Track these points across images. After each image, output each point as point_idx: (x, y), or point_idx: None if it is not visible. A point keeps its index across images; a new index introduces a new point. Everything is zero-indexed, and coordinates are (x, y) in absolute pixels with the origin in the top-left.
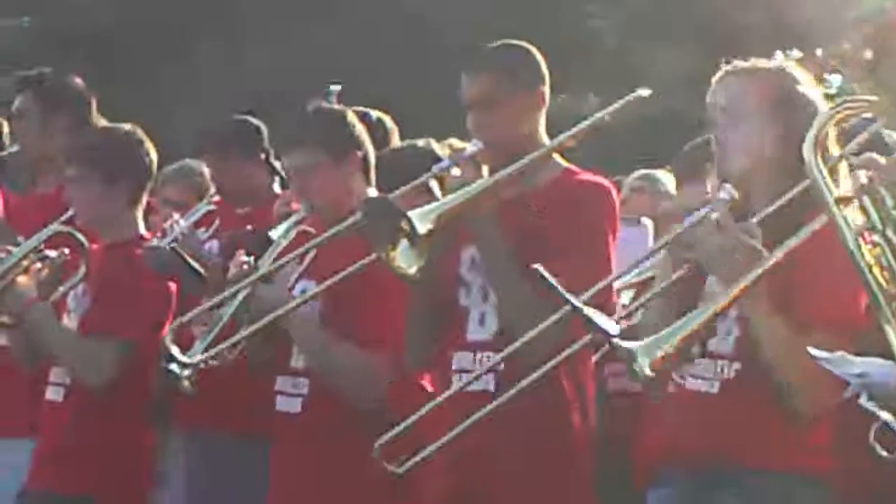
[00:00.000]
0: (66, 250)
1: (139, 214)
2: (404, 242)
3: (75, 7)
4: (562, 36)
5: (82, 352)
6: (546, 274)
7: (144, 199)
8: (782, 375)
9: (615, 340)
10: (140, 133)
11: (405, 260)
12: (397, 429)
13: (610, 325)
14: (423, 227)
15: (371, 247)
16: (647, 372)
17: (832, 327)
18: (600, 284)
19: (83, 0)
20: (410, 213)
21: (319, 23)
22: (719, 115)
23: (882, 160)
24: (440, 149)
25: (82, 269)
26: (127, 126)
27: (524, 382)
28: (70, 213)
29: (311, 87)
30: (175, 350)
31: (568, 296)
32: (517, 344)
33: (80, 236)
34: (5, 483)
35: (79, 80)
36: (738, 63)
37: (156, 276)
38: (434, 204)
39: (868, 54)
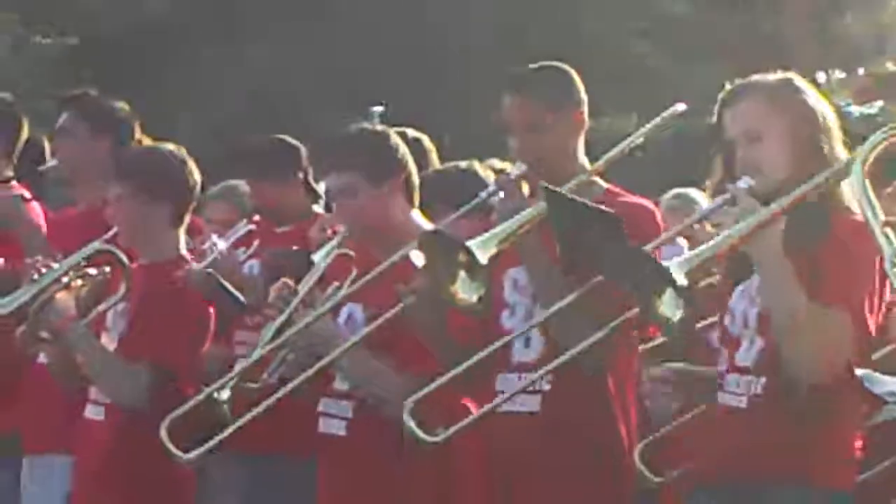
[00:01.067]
0: (108, 268)
1: (181, 234)
2: (463, 274)
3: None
4: (603, 57)
5: (116, 373)
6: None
7: (187, 219)
8: (786, 340)
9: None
10: (183, 153)
11: (466, 291)
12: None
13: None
14: (484, 257)
15: (430, 282)
16: (684, 281)
17: (850, 311)
18: None
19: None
20: (470, 244)
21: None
22: (735, 139)
23: None
24: (482, 170)
25: (123, 288)
26: (171, 146)
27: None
28: (113, 231)
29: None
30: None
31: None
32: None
33: (122, 255)
34: (40, 499)
35: (124, 104)
36: (739, 83)
37: (196, 298)
38: (490, 232)
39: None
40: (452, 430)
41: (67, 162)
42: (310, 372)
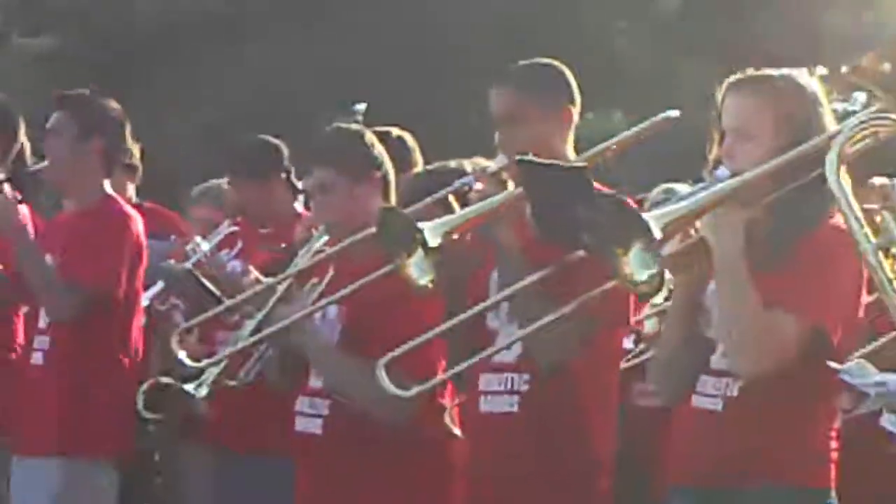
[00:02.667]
0: None
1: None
2: (419, 253)
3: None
4: (588, 53)
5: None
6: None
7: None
8: (729, 330)
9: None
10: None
11: (417, 270)
12: None
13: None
14: (434, 240)
15: (386, 257)
16: (658, 234)
17: (802, 314)
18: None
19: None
20: (422, 225)
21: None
22: (725, 129)
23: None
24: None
25: None
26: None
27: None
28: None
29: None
30: (182, 354)
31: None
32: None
33: None
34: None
35: (116, 104)
36: (745, 75)
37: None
38: (447, 217)
39: (887, 67)
40: (424, 386)
41: (58, 162)
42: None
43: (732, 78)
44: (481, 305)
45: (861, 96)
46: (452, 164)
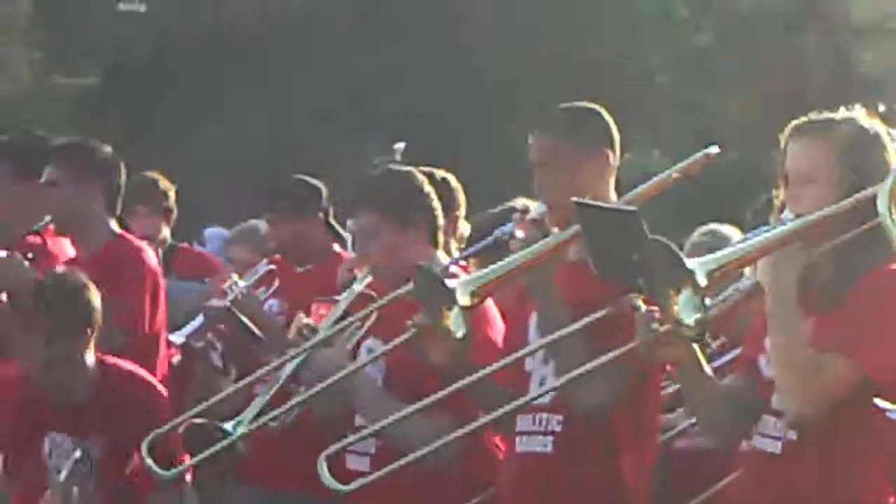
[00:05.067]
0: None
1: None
2: (454, 310)
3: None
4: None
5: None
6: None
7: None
8: (780, 372)
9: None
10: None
11: (455, 324)
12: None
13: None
14: (464, 298)
15: (425, 317)
16: (703, 281)
17: (851, 357)
18: None
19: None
20: (452, 283)
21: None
22: (789, 173)
23: None
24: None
25: None
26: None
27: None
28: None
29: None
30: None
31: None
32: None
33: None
34: None
35: (107, 147)
36: (809, 119)
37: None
38: (477, 274)
39: None
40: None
41: (59, 214)
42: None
43: (795, 122)
44: (522, 351)
45: None
46: (519, 204)
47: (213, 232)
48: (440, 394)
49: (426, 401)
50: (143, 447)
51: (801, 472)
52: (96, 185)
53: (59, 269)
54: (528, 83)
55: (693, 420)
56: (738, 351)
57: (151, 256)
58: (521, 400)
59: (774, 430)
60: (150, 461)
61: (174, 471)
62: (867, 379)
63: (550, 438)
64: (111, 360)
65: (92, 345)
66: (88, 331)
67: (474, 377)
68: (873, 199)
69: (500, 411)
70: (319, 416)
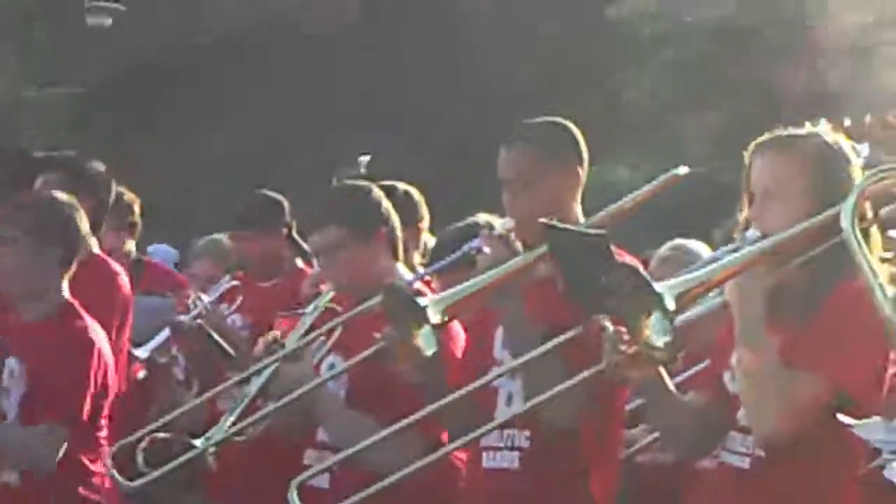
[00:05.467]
0: None
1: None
2: (424, 329)
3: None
4: (591, 107)
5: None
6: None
7: (72, 268)
8: (749, 393)
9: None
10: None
11: (424, 342)
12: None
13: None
14: (435, 317)
15: (394, 334)
16: (672, 305)
17: (821, 373)
18: None
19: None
20: (423, 302)
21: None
22: (755, 189)
23: None
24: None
25: None
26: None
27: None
28: None
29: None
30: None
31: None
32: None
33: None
34: None
35: (98, 164)
36: (773, 135)
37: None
38: (449, 292)
39: None
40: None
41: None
42: (277, 404)
43: (760, 139)
44: (495, 372)
45: (864, 148)
46: (481, 220)
47: (158, 249)
48: (411, 418)
49: (396, 426)
50: (109, 457)
51: (770, 487)
52: (87, 205)
53: (58, 194)
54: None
55: (655, 435)
56: (702, 365)
57: (125, 281)
58: (492, 424)
59: (741, 447)
60: (114, 471)
61: (138, 482)
62: (842, 394)
63: (517, 454)
64: (80, 313)
65: (66, 279)
66: (69, 256)
67: (447, 400)
68: (838, 215)
69: (472, 436)
70: (281, 432)
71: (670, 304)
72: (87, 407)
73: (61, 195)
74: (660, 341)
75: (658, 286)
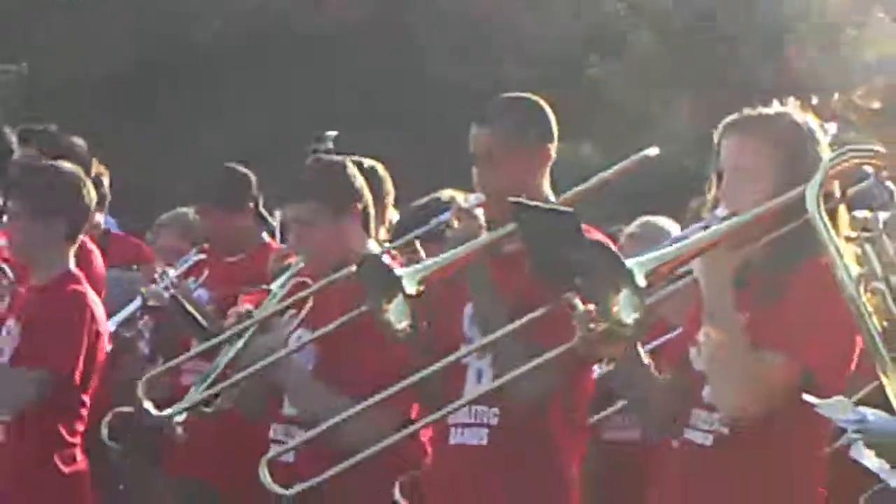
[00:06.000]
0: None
1: (72, 253)
2: (399, 298)
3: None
4: (559, 84)
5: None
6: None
7: (79, 238)
8: (716, 372)
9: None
10: (82, 173)
11: (395, 315)
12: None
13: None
14: (411, 288)
15: (366, 299)
16: (642, 282)
17: (788, 354)
18: None
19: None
20: (399, 272)
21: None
22: (724, 169)
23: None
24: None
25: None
26: (69, 165)
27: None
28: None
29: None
30: (148, 405)
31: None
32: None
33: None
34: None
35: (80, 140)
36: (742, 114)
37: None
38: (424, 263)
39: (876, 104)
40: (306, 484)
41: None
42: (243, 373)
43: (729, 118)
44: (462, 351)
45: (832, 127)
46: (445, 196)
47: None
48: (381, 395)
49: (368, 402)
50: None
51: (734, 465)
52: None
53: (67, 165)
54: (462, 76)
55: (620, 405)
56: (674, 333)
57: (99, 261)
58: (461, 401)
59: (705, 424)
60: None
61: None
62: (808, 375)
63: (486, 431)
64: (80, 281)
65: (72, 250)
66: (74, 228)
67: (415, 378)
68: (804, 195)
69: (442, 412)
70: (245, 407)
71: (640, 281)
72: (79, 366)
73: (68, 166)
74: (629, 318)
75: (628, 262)
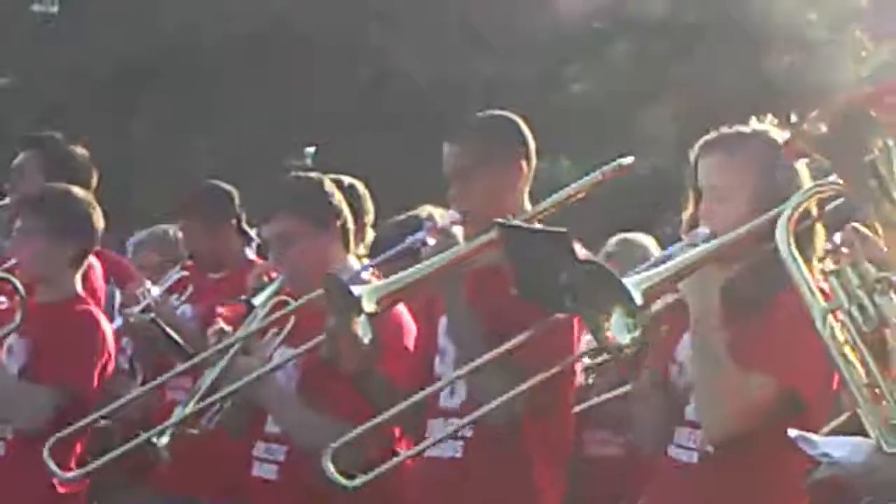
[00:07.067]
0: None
1: (78, 276)
2: (361, 317)
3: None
4: (537, 99)
5: (16, 393)
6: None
7: (86, 262)
8: (700, 391)
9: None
10: (92, 198)
11: (363, 330)
12: None
13: None
14: (369, 306)
15: (333, 316)
16: (639, 301)
17: (776, 375)
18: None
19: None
20: (358, 291)
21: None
22: (702, 189)
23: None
24: (440, 218)
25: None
26: (81, 191)
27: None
28: (12, 261)
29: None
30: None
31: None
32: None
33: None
34: None
35: (82, 149)
36: (719, 133)
37: (97, 330)
38: (384, 281)
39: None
40: (371, 475)
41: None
42: (224, 392)
43: (706, 138)
44: (437, 385)
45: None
46: (424, 213)
47: None
48: (366, 425)
49: (354, 433)
50: (45, 449)
51: (718, 482)
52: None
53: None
54: (439, 90)
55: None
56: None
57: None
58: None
59: (689, 442)
60: (51, 463)
61: (76, 472)
62: (793, 395)
63: (461, 443)
64: (89, 303)
65: (79, 275)
66: (82, 253)
67: (401, 407)
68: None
69: (426, 444)
70: (229, 425)
71: (638, 299)
72: (94, 385)
73: (78, 191)
74: (625, 339)
75: (626, 281)
